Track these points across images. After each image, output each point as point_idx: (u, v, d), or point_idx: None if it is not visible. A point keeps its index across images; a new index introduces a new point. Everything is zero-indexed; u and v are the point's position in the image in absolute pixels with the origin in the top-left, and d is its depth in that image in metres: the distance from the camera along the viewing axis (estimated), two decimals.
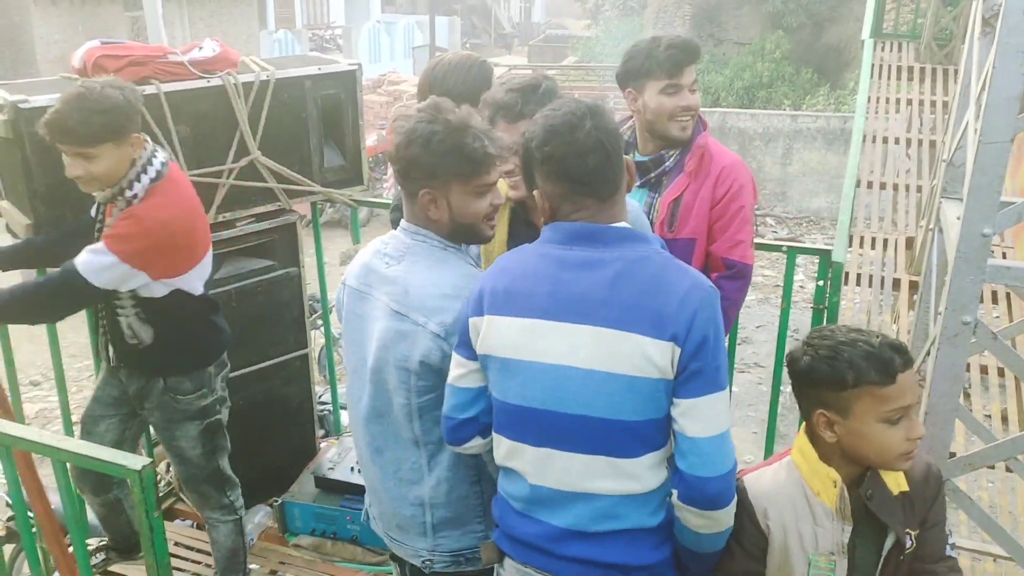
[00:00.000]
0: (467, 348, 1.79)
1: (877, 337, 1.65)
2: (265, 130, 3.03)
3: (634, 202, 2.30)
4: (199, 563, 3.22)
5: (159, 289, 2.46)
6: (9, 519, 3.23)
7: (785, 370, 1.78)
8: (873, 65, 6.34)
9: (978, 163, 2.23)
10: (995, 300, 4.82)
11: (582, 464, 1.69)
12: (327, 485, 3.32)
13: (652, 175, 2.54)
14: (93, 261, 2.31)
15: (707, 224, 2.51)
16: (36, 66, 12.53)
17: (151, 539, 1.83)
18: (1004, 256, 5.05)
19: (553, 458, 1.71)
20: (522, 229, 2.17)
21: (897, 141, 6.05)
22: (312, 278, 3.60)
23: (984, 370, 4.37)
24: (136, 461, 1.79)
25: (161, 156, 2.43)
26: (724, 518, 1.69)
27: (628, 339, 1.63)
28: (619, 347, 1.63)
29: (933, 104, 6.16)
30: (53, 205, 2.60)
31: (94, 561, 2.97)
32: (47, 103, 2.40)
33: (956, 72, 6.20)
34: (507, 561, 1.84)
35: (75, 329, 3.29)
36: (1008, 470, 3.04)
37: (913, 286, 4.87)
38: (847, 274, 4.82)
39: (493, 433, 1.81)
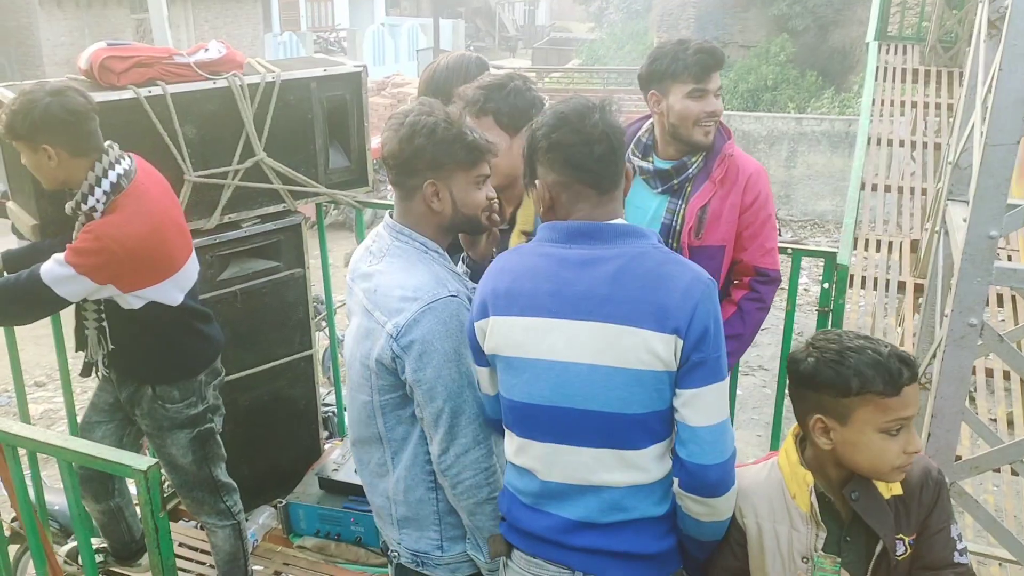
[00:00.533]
0: (479, 354, 1.82)
1: (886, 347, 1.64)
2: (271, 131, 3.03)
3: None
4: (203, 563, 3.22)
5: (133, 301, 2.44)
6: (13, 519, 3.23)
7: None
8: (878, 68, 6.34)
9: (984, 165, 2.23)
10: (1000, 303, 4.82)
11: (590, 458, 1.72)
12: (331, 486, 3.32)
13: (675, 181, 2.52)
14: (55, 271, 2.30)
15: (735, 231, 2.51)
16: (42, 68, 12.59)
17: (156, 539, 1.83)
18: (1010, 259, 5.04)
19: (561, 453, 1.73)
20: None
21: (902, 144, 6.05)
22: (316, 279, 3.60)
23: (989, 373, 4.37)
24: (142, 461, 1.79)
25: (121, 167, 2.37)
26: (724, 505, 1.73)
27: (632, 333, 1.65)
28: (623, 341, 1.65)
29: (938, 107, 6.15)
30: (59, 206, 2.60)
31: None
32: None
33: (961, 75, 6.19)
34: (516, 554, 1.85)
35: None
36: (1014, 473, 3.05)
37: (918, 289, 4.86)
38: (852, 277, 4.82)
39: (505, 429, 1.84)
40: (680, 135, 2.48)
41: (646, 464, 1.72)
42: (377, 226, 2.04)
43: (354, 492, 3.26)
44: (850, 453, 1.66)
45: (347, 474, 3.32)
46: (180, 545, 3.25)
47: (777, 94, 15.64)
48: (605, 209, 1.75)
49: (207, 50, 2.91)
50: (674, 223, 2.51)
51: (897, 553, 1.70)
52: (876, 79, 6.17)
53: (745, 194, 2.49)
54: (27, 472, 2.35)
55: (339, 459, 3.42)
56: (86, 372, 2.68)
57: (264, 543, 3.33)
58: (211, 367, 2.72)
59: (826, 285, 2.97)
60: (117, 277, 2.36)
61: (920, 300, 4.61)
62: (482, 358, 1.82)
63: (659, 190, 2.53)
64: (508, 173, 2.28)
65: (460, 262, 2.05)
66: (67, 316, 2.82)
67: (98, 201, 2.34)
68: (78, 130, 2.31)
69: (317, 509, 3.26)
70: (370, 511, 3.14)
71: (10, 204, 2.87)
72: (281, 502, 3.33)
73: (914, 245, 5.38)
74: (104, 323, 2.50)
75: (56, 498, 3.52)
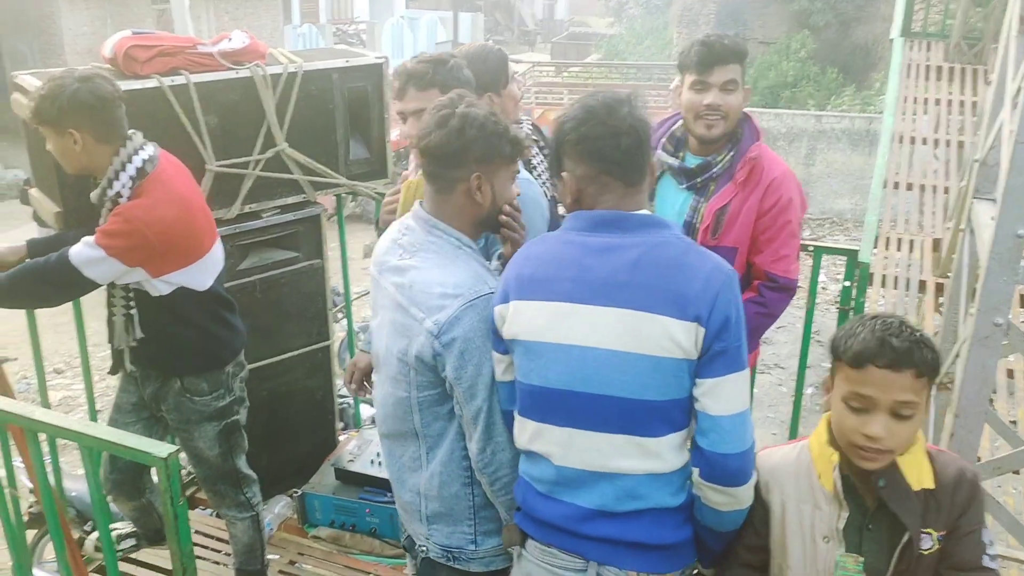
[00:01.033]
0: (499, 342, 1.82)
1: (914, 332, 1.62)
2: (292, 122, 3.04)
3: (533, 190, 2.33)
4: (219, 551, 3.25)
5: (162, 287, 2.45)
6: (31, 506, 3.26)
7: (808, 371, 1.78)
8: (901, 64, 6.27)
9: (1014, 164, 2.20)
10: (1023, 303, 4.76)
11: (606, 443, 1.72)
12: (347, 477, 3.33)
13: (699, 179, 2.51)
14: (84, 252, 2.32)
15: (751, 235, 2.48)
16: (64, 57, 12.68)
17: (175, 526, 1.84)
18: None
19: (577, 438, 1.74)
20: None
21: (924, 141, 5.98)
22: (334, 271, 3.61)
23: (1010, 374, 4.31)
24: (162, 449, 1.80)
25: (145, 153, 2.39)
26: (744, 495, 1.72)
27: (652, 320, 1.65)
28: (644, 328, 1.66)
29: (961, 104, 6.08)
30: (82, 194, 2.61)
31: (124, 546, 3.00)
32: None
33: (985, 72, 6.13)
34: (529, 543, 1.85)
35: (99, 318, 3.31)
36: None
37: (939, 288, 4.81)
38: (872, 275, 4.77)
39: (517, 417, 1.83)
40: (688, 127, 2.51)
41: (663, 452, 1.72)
42: (404, 218, 2.03)
43: (369, 483, 3.27)
44: (834, 417, 1.68)
45: (362, 465, 3.33)
46: (196, 533, 3.27)
47: (797, 91, 15.51)
48: (630, 201, 1.76)
49: (230, 40, 2.92)
50: (694, 220, 2.50)
51: (923, 547, 1.68)
52: (900, 76, 6.10)
53: (765, 198, 2.46)
54: (46, 458, 2.36)
55: (354, 450, 3.43)
56: (116, 367, 2.69)
57: (279, 532, 3.34)
58: (237, 359, 2.73)
59: (847, 283, 2.95)
60: (147, 260, 2.38)
61: (941, 299, 4.56)
62: (500, 345, 1.82)
63: (684, 186, 2.53)
64: None
65: (494, 258, 2.03)
66: (88, 304, 2.83)
67: (123, 186, 2.35)
68: (104, 116, 2.33)
69: (332, 500, 3.27)
70: (385, 503, 3.18)
71: (33, 191, 2.89)
72: (297, 492, 3.34)
73: (936, 244, 5.32)
74: (132, 311, 2.51)
75: (73, 484, 3.55)
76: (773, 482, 1.78)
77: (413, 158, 2.37)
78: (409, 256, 1.94)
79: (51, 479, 2.30)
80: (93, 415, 3.26)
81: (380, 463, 3.33)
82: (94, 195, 2.41)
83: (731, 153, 2.49)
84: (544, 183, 2.65)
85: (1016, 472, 3.57)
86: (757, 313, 2.48)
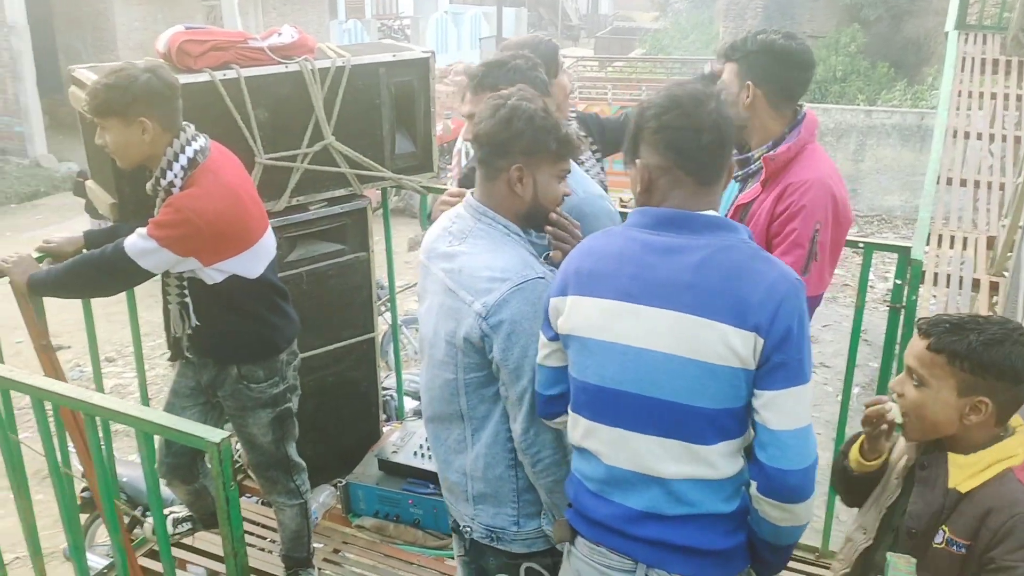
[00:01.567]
0: (548, 328, 1.82)
1: (996, 324, 1.69)
2: (339, 116, 3.07)
3: (606, 205, 2.31)
4: (264, 539, 3.30)
5: (215, 275, 2.49)
6: (84, 489, 3.33)
7: (858, 371, 1.79)
8: (956, 58, 6.12)
9: None
10: None
11: (656, 446, 1.69)
12: (390, 468, 3.36)
13: (739, 173, 2.44)
14: (138, 243, 2.38)
15: (765, 237, 2.35)
16: (116, 52, 12.94)
17: (227, 510, 1.87)
18: None
19: (628, 439, 1.72)
20: None
21: (979, 137, 5.82)
22: (379, 264, 3.64)
23: None
24: (215, 434, 1.84)
25: (197, 144, 2.43)
26: (803, 511, 1.68)
27: (710, 326, 1.61)
28: (701, 334, 1.62)
29: (1019, 99, 5.91)
30: (138, 186, 2.67)
31: (180, 529, 3.07)
32: None
33: None
34: (579, 540, 1.85)
35: (149, 308, 3.38)
36: None
37: (993, 287, 4.69)
38: (923, 273, 4.66)
39: (570, 413, 1.82)
40: None
41: (713, 460, 1.68)
42: (455, 207, 2.06)
43: (413, 475, 3.29)
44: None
45: (406, 456, 3.36)
46: (244, 520, 3.32)
47: (846, 86, 15.23)
48: (701, 200, 1.70)
49: (280, 34, 2.96)
50: (725, 215, 2.45)
51: (936, 541, 1.71)
52: (955, 69, 5.95)
53: (779, 202, 2.30)
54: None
55: (398, 442, 3.46)
56: (175, 355, 2.74)
57: (324, 521, 3.39)
58: (291, 347, 2.77)
59: (899, 281, 2.89)
60: (198, 250, 2.42)
61: (995, 298, 4.45)
62: (550, 331, 1.81)
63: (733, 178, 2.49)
64: None
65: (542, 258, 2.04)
66: (141, 294, 2.89)
67: (176, 176, 2.40)
68: (172, 104, 2.39)
69: (376, 490, 3.31)
70: (429, 494, 3.21)
71: (89, 183, 2.96)
72: (341, 482, 3.38)
73: (990, 242, 5.18)
74: (187, 299, 2.56)
75: (123, 470, 3.63)
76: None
77: (456, 155, 2.39)
78: (459, 243, 1.97)
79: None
80: (145, 401, 3.34)
81: (423, 455, 3.36)
82: (149, 185, 2.46)
83: (769, 151, 2.37)
84: (594, 176, 2.63)
85: None
86: None
